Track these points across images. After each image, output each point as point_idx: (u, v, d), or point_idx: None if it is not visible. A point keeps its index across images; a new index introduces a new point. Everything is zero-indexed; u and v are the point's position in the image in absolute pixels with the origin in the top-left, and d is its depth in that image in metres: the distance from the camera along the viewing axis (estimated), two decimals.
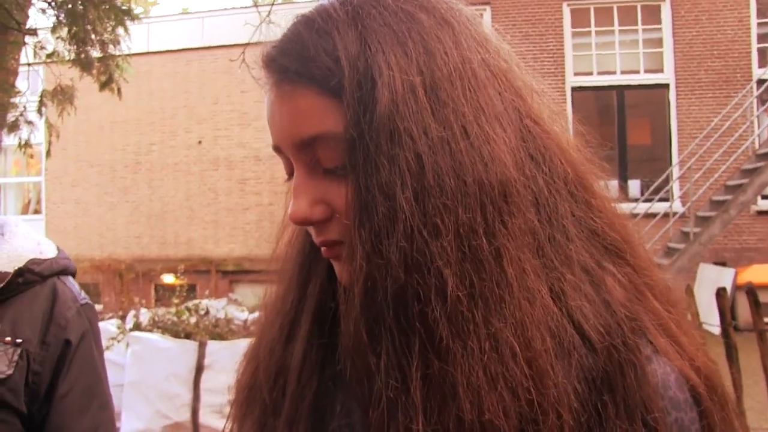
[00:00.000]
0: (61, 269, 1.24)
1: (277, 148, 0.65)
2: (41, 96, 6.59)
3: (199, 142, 13.95)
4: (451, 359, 0.55)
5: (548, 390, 0.55)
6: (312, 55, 0.60)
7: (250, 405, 0.72)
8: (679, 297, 0.72)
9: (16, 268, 1.17)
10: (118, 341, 5.60)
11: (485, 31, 0.67)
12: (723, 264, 9.85)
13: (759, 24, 10.95)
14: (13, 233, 1.22)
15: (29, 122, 6.29)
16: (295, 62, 0.60)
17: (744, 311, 4.41)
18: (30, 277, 1.18)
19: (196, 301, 6.62)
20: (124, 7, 6.28)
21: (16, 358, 1.12)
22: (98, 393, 1.21)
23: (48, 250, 1.24)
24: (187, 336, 5.69)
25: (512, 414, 0.55)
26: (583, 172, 0.67)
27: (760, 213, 10.59)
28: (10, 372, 1.11)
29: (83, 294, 1.28)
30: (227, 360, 5.10)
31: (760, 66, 10.67)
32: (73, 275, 1.28)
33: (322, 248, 0.65)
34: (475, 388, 0.54)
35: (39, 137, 8.39)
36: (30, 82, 7.25)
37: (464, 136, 0.58)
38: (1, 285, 1.14)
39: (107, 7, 5.99)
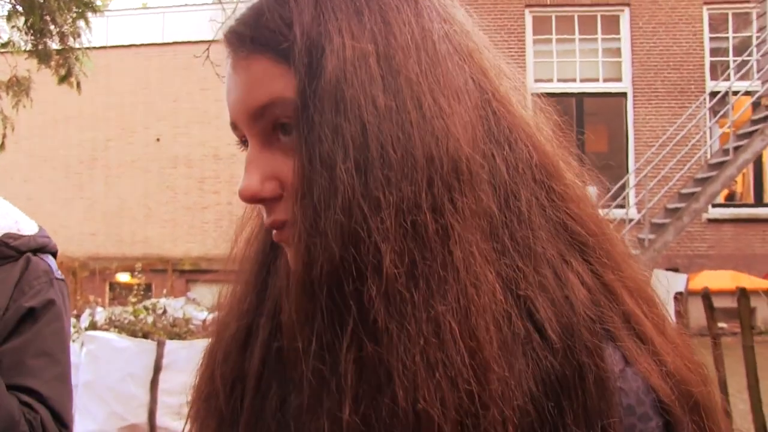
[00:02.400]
0: (39, 246, 1.24)
1: (233, 125, 0.62)
2: None
3: (158, 140, 13.72)
4: (386, 342, 0.52)
5: (491, 384, 0.52)
6: (266, 20, 0.58)
7: (207, 416, 0.68)
8: (658, 293, 0.67)
9: None
10: (73, 341, 5.46)
11: (456, 11, 0.64)
12: (675, 270, 10.12)
13: (711, 38, 11.31)
14: None
15: None
16: (250, 29, 0.59)
17: (695, 315, 4.54)
18: (5, 251, 1.18)
19: (153, 300, 6.51)
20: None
21: None
22: (57, 362, 1.18)
23: (27, 228, 1.24)
24: (145, 335, 5.59)
25: (450, 405, 0.51)
26: (552, 159, 0.63)
27: (711, 221, 10.93)
28: None
29: (59, 273, 1.27)
30: (186, 360, 5.02)
31: (713, 79, 11.02)
32: (54, 255, 1.28)
33: (273, 232, 0.61)
34: (411, 374, 0.51)
35: None
36: None
37: (416, 107, 0.55)
38: None
39: None
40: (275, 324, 0.65)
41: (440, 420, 0.51)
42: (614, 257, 0.62)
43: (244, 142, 0.63)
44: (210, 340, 0.72)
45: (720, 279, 9.39)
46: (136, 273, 8.89)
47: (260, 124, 0.59)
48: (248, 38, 0.59)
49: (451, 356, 0.52)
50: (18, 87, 6.39)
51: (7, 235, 1.19)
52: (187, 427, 0.71)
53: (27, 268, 1.19)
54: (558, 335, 0.55)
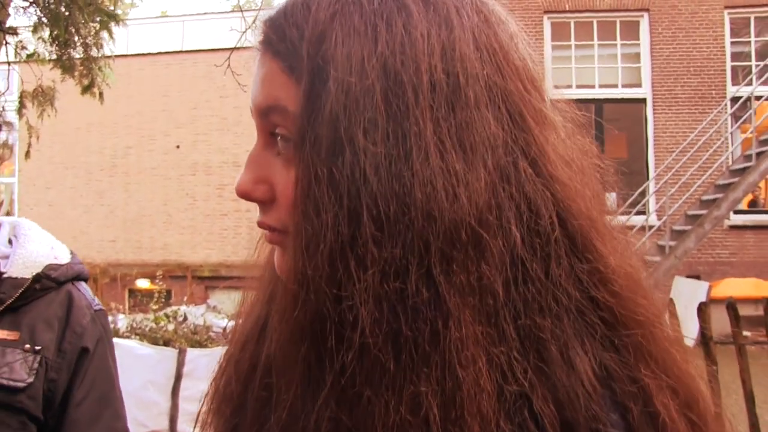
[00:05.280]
0: (75, 275, 1.22)
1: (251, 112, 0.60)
2: (21, 97, 6.48)
3: (177, 147, 13.83)
4: (360, 409, 0.48)
5: None
6: (281, 25, 0.55)
7: (221, 402, 0.67)
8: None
9: (34, 274, 1.15)
10: None
11: (508, 41, 0.56)
12: (697, 277, 10.00)
13: (733, 43, 11.19)
14: (27, 237, 1.20)
15: (8, 123, 6.19)
16: (269, 30, 0.56)
17: (718, 324, 4.48)
18: (47, 283, 1.16)
19: (174, 308, 6.56)
20: (110, 10, 6.21)
21: (35, 365, 1.10)
22: (112, 402, 1.19)
23: (62, 255, 1.22)
24: (166, 343, 5.63)
25: None
26: (584, 230, 0.54)
27: (733, 227, 10.79)
28: (30, 380, 1.09)
29: (97, 300, 1.26)
30: (206, 368, 5.03)
31: (734, 84, 10.90)
32: (86, 280, 1.27)
33: (265, 232, 0.60)
34: None
35: (12, 137, 8.25)
36: (9, 82, 7.12)
37: (421, 159, 0.49)
38: (20, 292, 1.12)
39: (92, 9, 5.91)
40: None
41: None
42: (655, 350, 0.53)
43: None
44: (227, 347, 0.70)
45: (743, 286, 9.28)
46: (156, 280, 8.96)
47: (265, 123, 0.57)
48: (266, 40, 0.56)
49: None
50: (43, 97, 6.48)
51: (49, 267, 1.17)
52: (206, 417, 0.68)
53: (71, 306, 1.17)
54: None
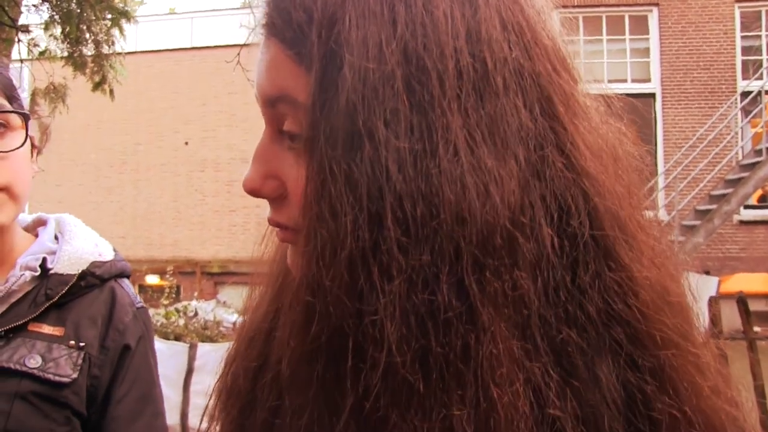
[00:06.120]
0: (119, 272, 1.23)
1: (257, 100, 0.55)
2: (32, 94, 6.53)
3: (186, 143, 13.88)
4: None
5: None
6: (288, 7, 0.49)
7: (229, 398, 0.64)
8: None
9: (80, 271, 1.16)
10: None
11: (536, 17, 0.51)
12: (706, 273, 9.97)
13: (743, 37, 11.12)
14: (73, 234, 1.20)
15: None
16: (274, 12, 0.50)
17: (727, 319, 4.48)
18: (91, 280, 1.17)
19: (185, 303, 6.60)
20: (120, 7, 6.24)
21: (80, 361, 1.11)
22: (152, 399, 1.20)
23: (106, 252, 1.22)
24: (177, 338, 5.67)
25: None
26: (617, 232, 0.49)
27: (743, 222, 10.74)
28: (75, 376, 1.10)
29: (139, 297, 1.27)
30: (217, 363, 5.03)
31: (744, 78, 10.84)
32: (128, 277, 1.27)
33: (276, 229, 0.55)
34: None
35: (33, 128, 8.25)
36: (21, 80, 7.17)
37: (449, 154, 0.44)
38: (66, 288, 1.14)
39: (103, 6, 5.95)
40: None
41: None
42: (677, 375, 0.48)
43: None
44: (233, 343, 0.68)
45: (754, 282, 9.24)
46: (166, 276, 9.01)
47: (272, 113, 0.52)
48: (268, 22, 0.51)
49: None
50: (55, 94, 6.53)
51: (94, 264, 1.18)
52: (214, 411, 0.66)
53: (114, 304, 1.19)
54: None
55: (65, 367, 1.10)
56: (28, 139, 1.14)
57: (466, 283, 0.44)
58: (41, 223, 1.27)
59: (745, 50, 11.15)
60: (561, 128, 0.49)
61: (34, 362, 1.08)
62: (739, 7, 11.13)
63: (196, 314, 6.16)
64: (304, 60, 0.48)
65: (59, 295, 1.13)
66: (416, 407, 0.44)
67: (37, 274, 1.14)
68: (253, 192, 0.53)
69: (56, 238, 1.22)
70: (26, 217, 1.28)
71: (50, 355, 1.10)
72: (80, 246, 1.19)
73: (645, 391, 0.47)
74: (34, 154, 1.21)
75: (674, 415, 0.46)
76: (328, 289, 0.45)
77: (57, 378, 1.09)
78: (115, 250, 1.26)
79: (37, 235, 1.23)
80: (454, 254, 0.44)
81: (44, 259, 1.15)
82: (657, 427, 0.46)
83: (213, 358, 5.21)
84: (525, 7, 0.50)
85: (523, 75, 0.48)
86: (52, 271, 1.15)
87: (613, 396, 0.46)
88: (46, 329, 1.12)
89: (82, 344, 1.13)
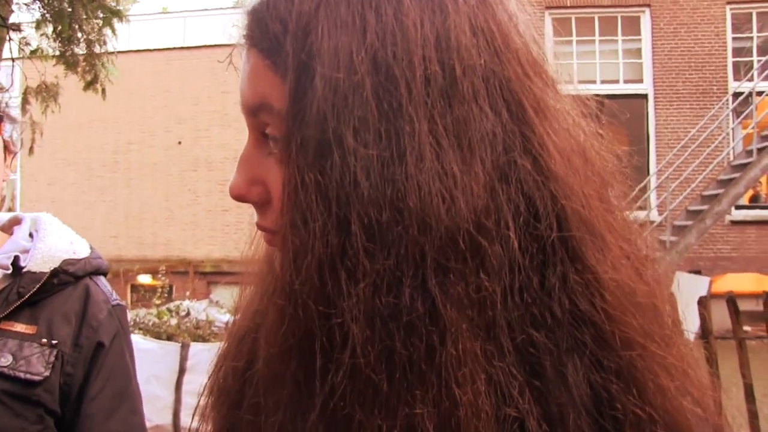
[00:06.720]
0: (93, 269, 1.23)
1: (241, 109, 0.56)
2: (24, 93, 6.51)
3: (179, 143, 13.84)
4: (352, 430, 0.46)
5: None
6: (265, 18, 0.50)
7: (219, 396, 0.65)
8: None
9: (52, 268, 1.16)
10: None
11: (507, 21, 0.52)
12: (698, 272, 10.01)
13: (734, 38, 11.18)
14: (47, 232, 1.21)
15: (12, 118, 6.20)
16: (252, 23, 0.52)
17: (718, 319, 4.50)
18: (64, 278, 1.17)
19: (177, 303, 6.58)
20: (112, 6, 6.23)
21: (52, 359, 1.11)
22: (128, 396, 1.20)
23: (81, 249, 1.22)
24: (169, 337, 5.65)
25: None
26: (584, 233, 0.49)
27: (735, 223, 10.80)
28: (47, 374, 1.10)
29: (115, 294, 1.26)
30: (209, 362, 5.04)
31: (736, 79, 10.90)
32: (105, 275, 1.27)
33: (263, 234, 0.57)
34: None
35: (15, 133, 8.23)
36: (12, 78, 7.15)
37: (416, 160, 0.45)
38: (37, 286, 1.13)
39: (95, 5, 5.93)
40: None
41: None
42: (642, 376, 0.48)
43: None
44: (224, 343, 0.68)
45: (744, 282, 9.30)
46: (159, 275, 8.99)
47: (255, 121, 0.53)
48: (249, 30, 0.52)
49: None
50: (46, 93, 6.50)
51: (66, 262, 1.18)
52: (205, 409, 0.66)
53: (88, 300, 1.18)
54: None
55: (37, 365, 1.10)
56: (1, 142, 1.14)
57: (429, 286, 0.45)
58: (17, 222, 1.27)
59: (737, 51, 11.22)
60: (530, 132, 0.49)
61: (4, 360, 1.08)
62: (731, 9, 11.19)
63: (188, 314, 6.15)
64: (280, 69, 0.49)
65: (31, 293, 1.13)
66: (380, 406, 0.45)
67: (9, 272, 1.14)
68: (239, 198, 0.54)
69: (31, 236, 1.22)
70: (2, 216, 1.28)
71: (21, 353, 1.10)
72: (54, 244, 1.19)
73: (610, 391, 0.47)
74: (9, 158, 1.20)
75: (638, 414, 0.47)
76: (298, 292, 0.46)
77: (28, 376, 1.09)
78: (91, 248, 1.25)
79: (12, 234, 1.22)
80: (418, 258, 0.45)
81: (16, 258, 1.14)
82: (621, 425, 0.47)
83: (205, 357, 5.20)
84: (497, 11, 0.51)
85: (492, 80, 0.49)
86: (25, 269, 1.14)
87: (581, 395, 0.47)
88: (19, 327, 1.12)
89: (54, 342, 1.12)
